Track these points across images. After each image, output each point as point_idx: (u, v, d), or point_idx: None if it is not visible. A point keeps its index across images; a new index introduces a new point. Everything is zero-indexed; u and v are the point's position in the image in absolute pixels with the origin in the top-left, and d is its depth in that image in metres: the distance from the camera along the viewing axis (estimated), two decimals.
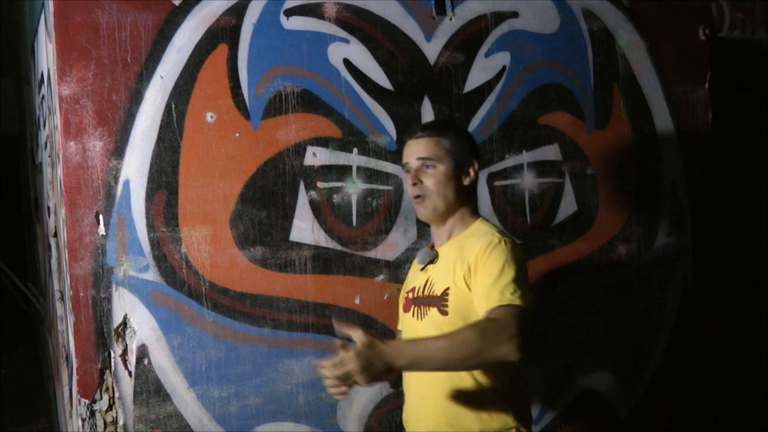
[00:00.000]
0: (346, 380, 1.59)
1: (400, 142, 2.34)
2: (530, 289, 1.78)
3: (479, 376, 1.80)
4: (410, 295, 1.97)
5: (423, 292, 1.91)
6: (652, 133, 2.79)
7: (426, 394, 1.86)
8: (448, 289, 1.83)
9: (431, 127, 1.94)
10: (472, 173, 1.93)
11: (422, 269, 1.96)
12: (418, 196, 1.91)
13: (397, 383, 2.31)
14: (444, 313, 1.83)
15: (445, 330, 1.77)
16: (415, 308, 1.93)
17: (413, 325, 1.92)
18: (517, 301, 1.68)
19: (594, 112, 2.67)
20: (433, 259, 1.93)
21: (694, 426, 2.87)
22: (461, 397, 1.81)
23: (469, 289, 1.79)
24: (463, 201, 1.93)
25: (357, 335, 1.60)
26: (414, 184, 1.90)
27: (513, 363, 1.70)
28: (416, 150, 1.91)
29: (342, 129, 2.29)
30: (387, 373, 1.63)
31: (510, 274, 1.73)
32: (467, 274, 1.80)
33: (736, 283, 3.19)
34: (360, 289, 2.31)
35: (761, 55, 3.20)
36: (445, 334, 1.69)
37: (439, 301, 1.84)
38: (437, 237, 1.98)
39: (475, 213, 1.98)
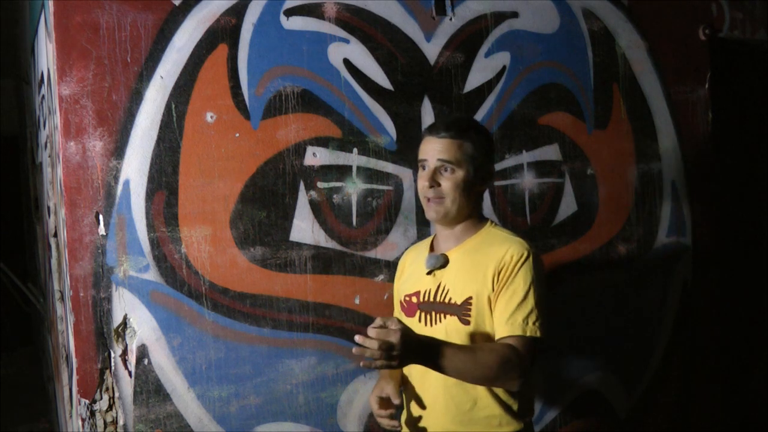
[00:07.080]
0: (387, 351, 1.53)
1: (400, 142, 2.35)
2: (547, 313, 1.79)
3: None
4: (414, 300, 1.92)
5: (435, 297, 1.87)
6: (652, 133, 2.79)
7: (435, 398, 1.84)
8: (470, 298, 1.80)
9: (456, 128, 1.83)
10: (488, 180, 1.90)
11: (428, 273, 1.91)
12: (431, 198, 1.85)
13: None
14: (466, 322, 1.80)
15: (465, 338, 1.79)
16: (423, 314, 1.88)
17: (420, 331, 1.82)
18: (537, 333, 1.73)
19: (594, 112, 2.67)
20: (444, 263, 1.88)
21: (694, 426, 2.87)
22: (471, 403, 1.80)
23: (491, 299, 1.79)
24: (475, 207, 1.89)
25: (393, 321, 1.59)
26: (431, 186, 1.83)
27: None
28: (437, 149, 1.82)
29: (342, 129, 2.29)
30: (411, 359, 1.62)
31: (535, 298, 1.75)
32: (495, 282, 1.77)
33: (736, 283, 3.19)
34: (360, 289, 2.31)
35: (761, 55, 3.21)
36: (471, 349, 1.70)
37: (461, 311, 1.80)
38: (443, 240, 1.93)
39: (482, 216, 1.95)
